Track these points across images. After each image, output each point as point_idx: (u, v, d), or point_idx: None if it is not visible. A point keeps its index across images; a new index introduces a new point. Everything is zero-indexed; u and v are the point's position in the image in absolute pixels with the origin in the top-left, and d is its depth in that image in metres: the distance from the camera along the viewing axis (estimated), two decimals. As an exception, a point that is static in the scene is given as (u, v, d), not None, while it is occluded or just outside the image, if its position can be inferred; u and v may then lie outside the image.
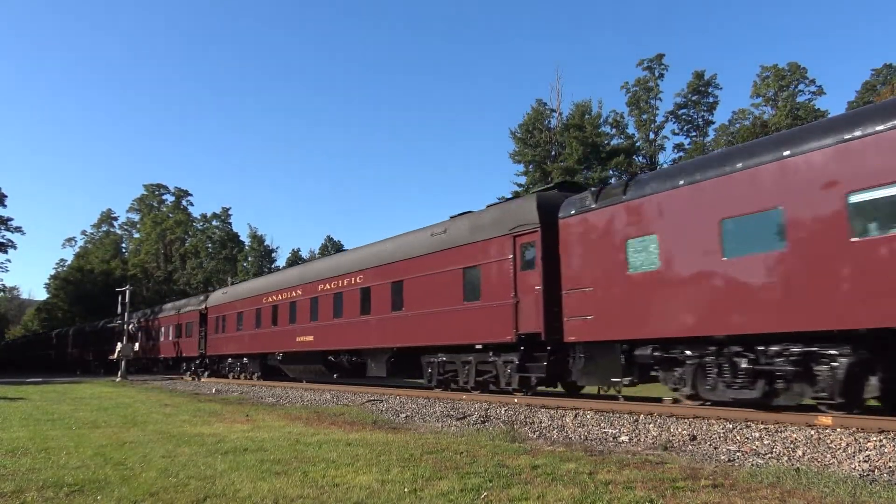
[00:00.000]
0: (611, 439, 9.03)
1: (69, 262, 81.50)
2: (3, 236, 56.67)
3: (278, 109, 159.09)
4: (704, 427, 8.98)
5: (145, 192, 79.73)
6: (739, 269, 9.40)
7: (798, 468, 6.30)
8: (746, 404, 9.59)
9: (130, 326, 38.19)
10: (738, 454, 7.49)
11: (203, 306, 32.55)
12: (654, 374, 11.22)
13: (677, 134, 47.19)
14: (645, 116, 46.41)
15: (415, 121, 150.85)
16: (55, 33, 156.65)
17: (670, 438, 8.60)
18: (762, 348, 9.19)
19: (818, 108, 40.86)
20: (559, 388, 15.06)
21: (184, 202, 77.50)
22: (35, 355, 66.12)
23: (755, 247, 9.23)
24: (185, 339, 34.26)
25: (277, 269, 62.91)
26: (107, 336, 44.24)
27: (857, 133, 8.19)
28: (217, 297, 32.17)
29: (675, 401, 11.33)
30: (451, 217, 16.79)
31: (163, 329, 38.10)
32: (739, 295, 9.34)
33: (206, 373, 31.87)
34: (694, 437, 8.51)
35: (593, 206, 12.00)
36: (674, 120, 47.26)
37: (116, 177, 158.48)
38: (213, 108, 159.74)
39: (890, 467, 6.38)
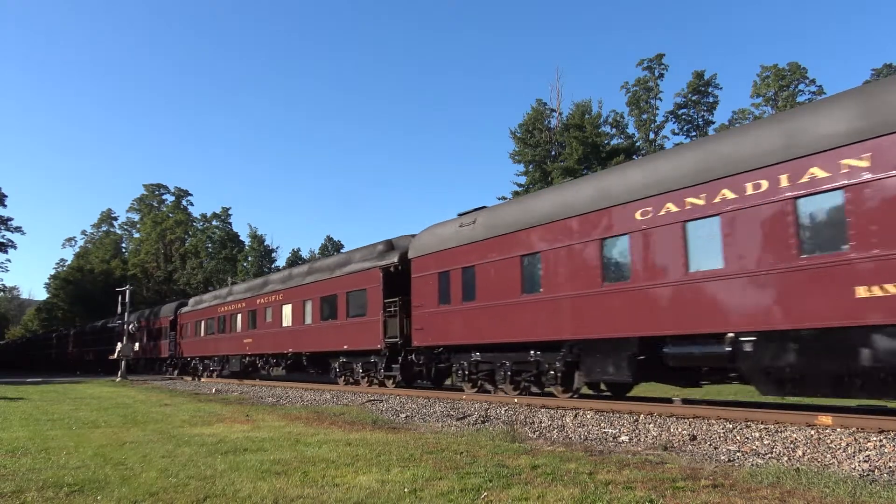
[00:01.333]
0: (611, 439, 9.02)
1: (69, 262, 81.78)
2: (3, 236, 56.86)
3: (279, 109, 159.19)
4: (704, 427, 8.98)
5: (145, 192, 79.83)
6: None
7: (798, 468, 6.29)
8: None
9: (128, 325, 37.97)
10: (738, 454, 7.48)
11: (391, 261, 18.42)
12: None
13: (677, 134, 47.16)
14: (645, 116, 46.40)
15: (415, 120, 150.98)
16: (55, 32, 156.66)
17: (670, 438, 8.60)
18: None
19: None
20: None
21: (184, 202, 77.55)
22: (35, 356, 66.18)
23: None
24: (350, 324, 19.93)
25: (278, 268, 62.68)
26: (107, 336, 44.23)
27: None
28: (445, 234, 16.38)
29: None
30: None
31: (285, 309, 24.46)
32: None
33: (393, 379, 18.53)
34: (694, 437, 8.51)
35: None
36: (674, 120, 47.24)
37: (116, 177, 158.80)
38: (214, 108, 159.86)
39: (890, 467, 6.38)
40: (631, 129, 46.69)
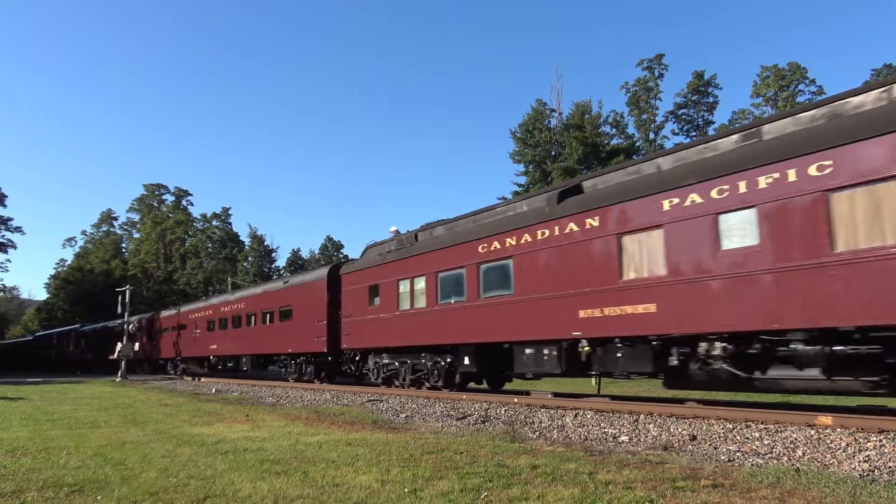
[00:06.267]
0: (611, 439, 9.02)
1: (69, 262, 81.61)
2: (3, 236, 56.77)
3: (278, 109, 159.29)
4: (704, 427, 8.98)
5: (145, 192, 79.84)
6: None
7: (798, 468, 6.29)
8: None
9: (128, 325, 37.90)
10: (738, 454, 7.48)
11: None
12: None
13: (677, 134, 47.19)
14: (645, 116, 46.41)
15: (415, 120, 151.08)
16: (55, 31, 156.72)
17: (670, 438, 8.60)
18: None
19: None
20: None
21: (184, 202, 77.58)
22: (35, 356, 66.06)
23: None
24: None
25: (278, 268, 62.47)
26: (107, 336, 44.19)
27: None
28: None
29: None
30: None
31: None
32: None
33: None
34: (694, 437, 8.51)
35: None
36: (674, 120, 47.27)
37: (116, 177, 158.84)
38: (213, 108, 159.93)
39: (890, 467, 6.38)
40: (631, 130, 46.71)
